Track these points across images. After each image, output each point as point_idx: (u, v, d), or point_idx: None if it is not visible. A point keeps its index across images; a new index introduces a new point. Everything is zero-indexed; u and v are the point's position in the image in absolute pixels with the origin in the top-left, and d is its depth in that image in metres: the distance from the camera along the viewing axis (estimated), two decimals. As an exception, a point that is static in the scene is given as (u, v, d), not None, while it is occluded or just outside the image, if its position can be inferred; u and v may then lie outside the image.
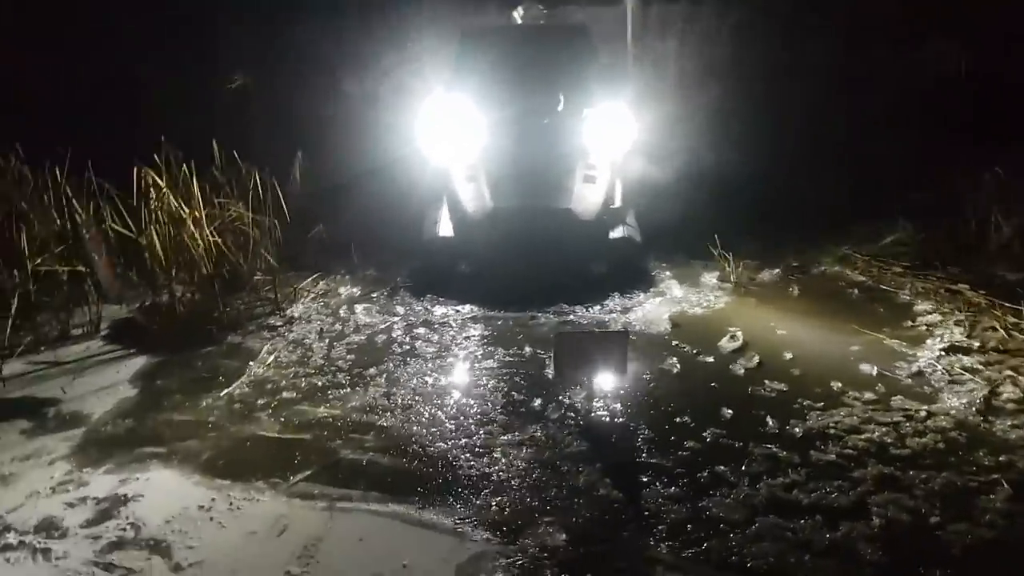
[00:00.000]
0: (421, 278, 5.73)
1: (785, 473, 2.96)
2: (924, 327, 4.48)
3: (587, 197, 5.68)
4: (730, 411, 3.50)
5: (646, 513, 2.74)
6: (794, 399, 3.58)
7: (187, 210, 4.91)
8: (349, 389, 3.85)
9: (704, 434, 3.29)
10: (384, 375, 3.99)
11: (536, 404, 3.59)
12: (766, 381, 3.78)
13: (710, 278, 5.60)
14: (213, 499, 2.87)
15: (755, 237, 6.26)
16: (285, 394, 3.82)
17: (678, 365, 4.04)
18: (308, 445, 3.27)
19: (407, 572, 2.45)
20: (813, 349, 4.19)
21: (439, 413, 3.55)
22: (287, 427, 3.45)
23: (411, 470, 3.06)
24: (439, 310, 5.06)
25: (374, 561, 2.49)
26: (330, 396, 3.78)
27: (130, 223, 4.95)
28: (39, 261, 4.65)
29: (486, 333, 4.61)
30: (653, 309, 4.98)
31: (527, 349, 4.31)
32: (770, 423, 3.37)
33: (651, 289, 5.38)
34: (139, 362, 4.28)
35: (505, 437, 3.29)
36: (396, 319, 4.92)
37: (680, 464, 3.06)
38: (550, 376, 3.81)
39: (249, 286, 5.45)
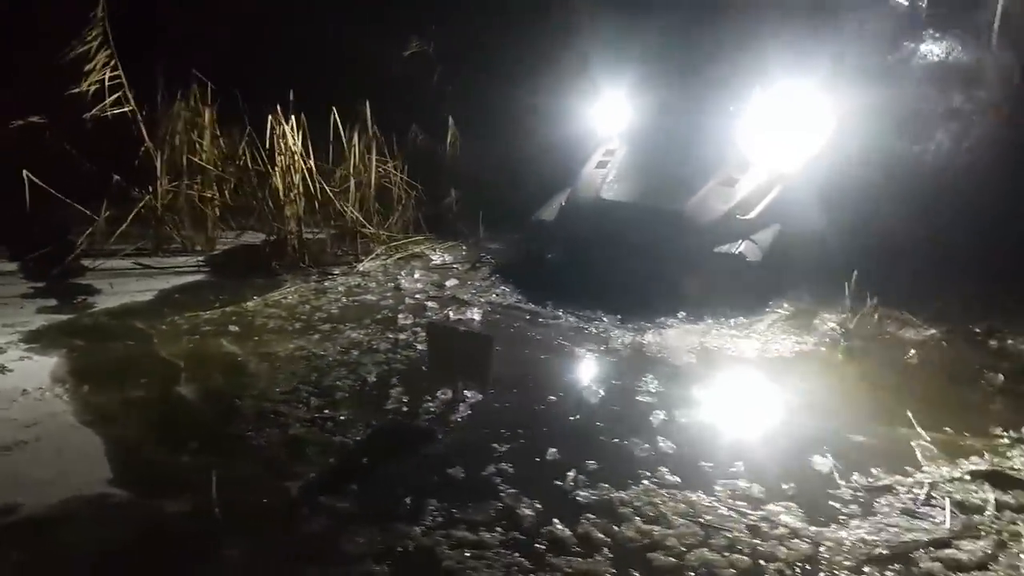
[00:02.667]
0: (508, 258, 5.60)
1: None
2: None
3: (711, 203, 4.97)
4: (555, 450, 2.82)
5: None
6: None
7: (302, 161, 5.46)
8: (293, 336, 4.05)
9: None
10: (327, 336, 4.07)
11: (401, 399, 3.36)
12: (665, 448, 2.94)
13: (824, 323, 4.39)
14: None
15: (935, 288, 4.68)
16: (258, 321, 4.22)
17: (601, 392, 3.36)
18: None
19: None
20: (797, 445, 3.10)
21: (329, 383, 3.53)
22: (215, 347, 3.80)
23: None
24: (483, 295, 4.89)
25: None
26: (268, 336, 4.00)
27: (266, 164, 5.69)
28: (176, 184, 5.64)
29: (501, 326, 4.37)
30: (694, 339, 4.14)
31: (525, 351, 3.99)
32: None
33: (728, 318, 4.44)
34: (192, 278, 5.01)
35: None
36: (428, 292, 4.93)
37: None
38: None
39: (359, 237, 5.88)
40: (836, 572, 2.21)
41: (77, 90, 5.21)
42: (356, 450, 2.86)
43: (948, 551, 2.31)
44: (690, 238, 4.82)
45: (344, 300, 4.69)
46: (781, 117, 5.25)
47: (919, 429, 3.12)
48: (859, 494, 2.63)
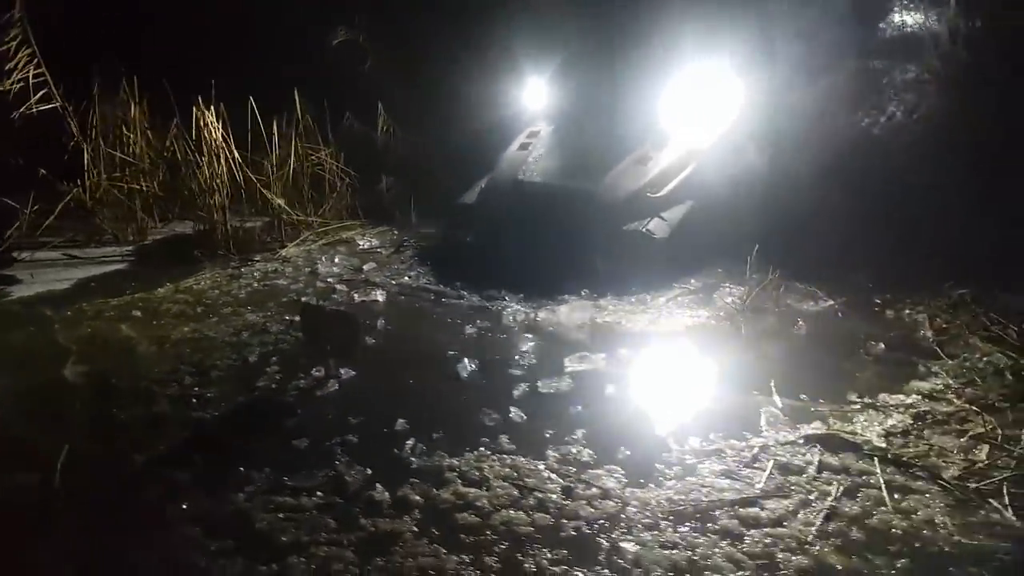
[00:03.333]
0: (432, 242, 5.70)
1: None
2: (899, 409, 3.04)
3: (623, 181, 5.06)
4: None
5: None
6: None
7: (225, 151, 5.56)
8: (192, 320, 4.16)
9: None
10: (224, 320, 4.17)
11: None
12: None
13: (724, 297, 4.47)
14: None
15: (846, 261, 4.73)
16: (163, 306, 4.36)
17: (469, 368, 3.44)
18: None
19: None
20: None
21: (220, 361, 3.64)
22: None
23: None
24: (396, 277, 5.00)
25: None
26: (167, 320, 4.13)
27: (194, 155, 5.79)
28: (103, 177, 5.75)
29: (402, 307, 4.47)
30: (588, 315, 4.23)
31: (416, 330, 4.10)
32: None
33: (630, 295, 4.52)
34: (114, 268, 5.13)
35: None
36: (343, 276, 5.05)
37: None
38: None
39: (288, 224, 5.99)
40: (630, 529, 2.30)
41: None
42: (212, 425, 2.97)
43: (752, 510, 2.40)
44: (602, 216, 4.90)
45: (255, 285, 4.79)
46: (697, 96, 5.33)
47: (775, 396, 3.20)
48: (687, 457, 2.72)
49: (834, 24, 5.70)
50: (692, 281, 4.80)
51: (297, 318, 4.13)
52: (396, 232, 6.25)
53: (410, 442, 2.78)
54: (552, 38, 6.21)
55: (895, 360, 3.60)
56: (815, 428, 2.92)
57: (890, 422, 2.97)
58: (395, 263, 5.34)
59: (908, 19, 6.12)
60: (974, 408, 3.06)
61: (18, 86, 5.43)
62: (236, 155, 5.75)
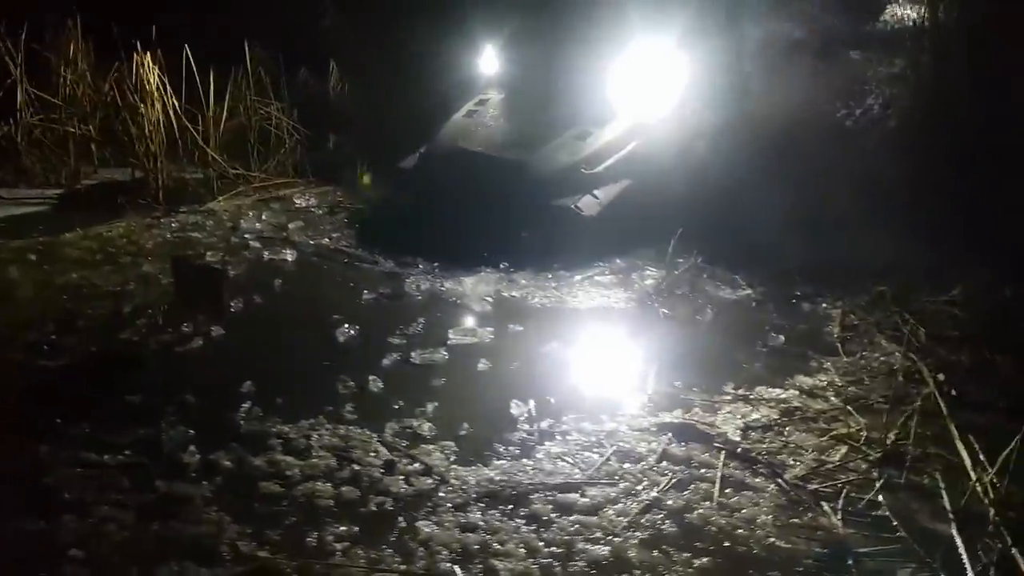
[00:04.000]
0: (370, 205, 5.58)
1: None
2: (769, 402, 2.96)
3: (557, 155, 4.95)
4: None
5: None
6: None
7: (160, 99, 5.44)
8: (85, 268, 4.08)
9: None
10: (118, 269, 4.10)
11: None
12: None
13: (643, 279, 4.35)
14: None
15: (777, 249, 4.58)
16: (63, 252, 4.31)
17: (347, 334, 3.35)
18: None
19: None
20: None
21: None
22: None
23: None
24: (317, 238, 4.88)
25: None
26: (59, 266, 4.06)
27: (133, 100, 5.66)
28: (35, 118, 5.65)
29: (309, 268, 4.40)
30: (493, 288, 4.11)
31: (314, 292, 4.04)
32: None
33: (548, 272, 4.41)
34: (34, 210, 5.07)
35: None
36: (262, 233, 4.93)
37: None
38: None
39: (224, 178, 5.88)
40: (436, 508, 2.22)
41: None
42: (52, 373, 2.91)
43: (571, 495, 2.33)
44: (531, 190, 4.79)
45: (168, 236, 4.71)
46: (644, 72, 5.19)
47: (649, 382, 3.11)
48: (530, 439, 2.64)
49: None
50: (616, 261, 4.66)
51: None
52: (339, 192, 6.12)
53: (247, 405, 2.71)
54: (509, 4, 6.04)
55: (790, 353, 3.50)
56: (674, 417, 2.82)
57: (755, 416, 2.88)
58: (324, 224, 5.23)
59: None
60: (849, 408, 2.96)
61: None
62: (174, 103, 5.62)
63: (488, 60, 6.00)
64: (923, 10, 5.95)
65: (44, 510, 2.10)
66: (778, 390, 3.09)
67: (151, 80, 5.47)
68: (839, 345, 3.58)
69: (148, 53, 5.41)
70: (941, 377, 3.18)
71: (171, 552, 1.98)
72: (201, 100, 5.94)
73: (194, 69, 5.75)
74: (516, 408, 2.82)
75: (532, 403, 2.86)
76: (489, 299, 4.00)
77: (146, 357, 3.07)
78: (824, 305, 4.08)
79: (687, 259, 4.47)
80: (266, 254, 4.47)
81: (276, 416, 2.66)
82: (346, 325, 3.46)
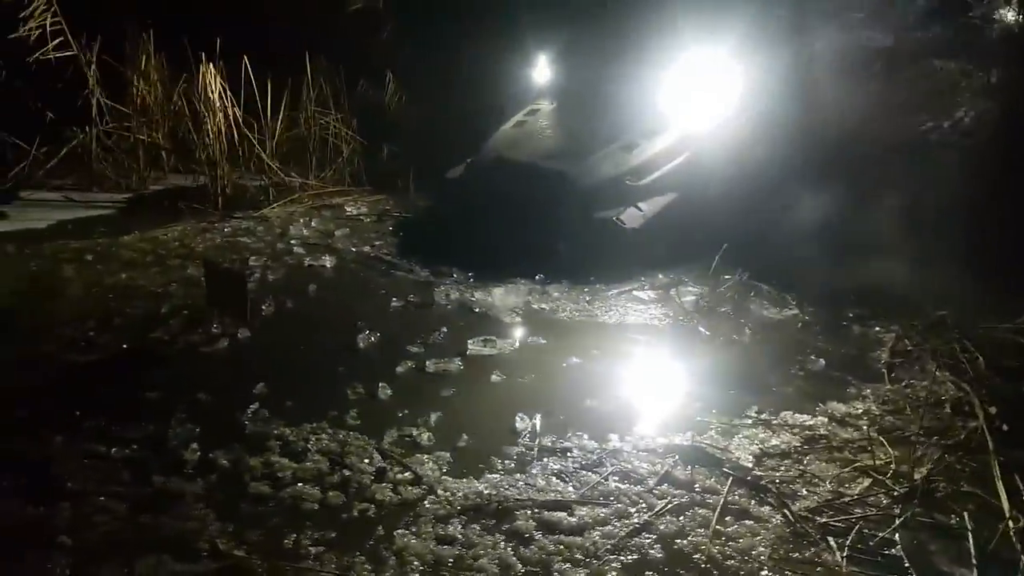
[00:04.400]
0: (419, 214, 5.69)
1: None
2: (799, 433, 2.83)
3: (602, 166, 4.93)
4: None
5: None
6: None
7: (222, 108, 5.71)
8: (135, 268, 4.32)
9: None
10: (166, 271, 4.30)
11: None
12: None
13: (683, 295, 4.25)
14: None
15: (837, 270, 4.37)
16: (119, 252, 4.56)
17: (368, 340, 3.40)
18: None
19: None
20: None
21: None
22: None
23: None
24: (361, 245, 5.01)
25: None
26: (112, 266, 4.29)
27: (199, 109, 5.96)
28: (108, 125, 6.01)
29: (346, 274, 4.49)
30: (524, 300, 4.10)
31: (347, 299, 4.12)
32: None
33: (586, 285, 4.37)
34: (100, 212, 5.37)
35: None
36: (309, 240, 5.09)
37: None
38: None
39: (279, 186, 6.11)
40: (418, 519, 2.22)
41: (15, 35, 5.59)
42: (80, 367, 3.06)
43: (558, 514, 2.28)
44: (573, 200, 4.76)
45: (218, 240, 4.91)
46: (697, 83, 5.10)
47: (666, 402, 3.02)
48: (529, 454, 2.60)
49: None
50: (659, 276, 4.57)
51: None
52: (391, 201, 6.25)
53: (255, 406, 2.77)
54: (562, 15, 6.05)
55: (828, 378, 3.33)
56: (685, 439, 2.73)
57: (774, 442, 2.75)
58: (370, 232, 5.35)
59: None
60: (881, 439, 2.78)
61: (36, 32, 5.70)
62: (235, 113, 5.88)
63: (541, 71, 6.04)
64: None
65: (43, 497, 2.21)
66: (806, 416, 2.95)
67: (213, 91, 5.74)
68: (885, 372, 3.38)
69: (211, 64, 5.68)
70: (993, 410, 2.98)
71: (152, 545, 2.04)
72: (268, 110, 6.22)
73: (252, 81, 6.00)
74: (521, 422, 2.79)
75: (539, 417, 2.82)
76: (517, 311, 3.99)
77: (171, 356, 3.20)
78: (877, 329, 3.87)
79: (733, 276, 4.35)
80: (307, 260, 4.60)
81: (281, 418, 2.72)
82: (368, 332, 3.51)
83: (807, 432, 2.84)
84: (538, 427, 2.77)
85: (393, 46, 7.01)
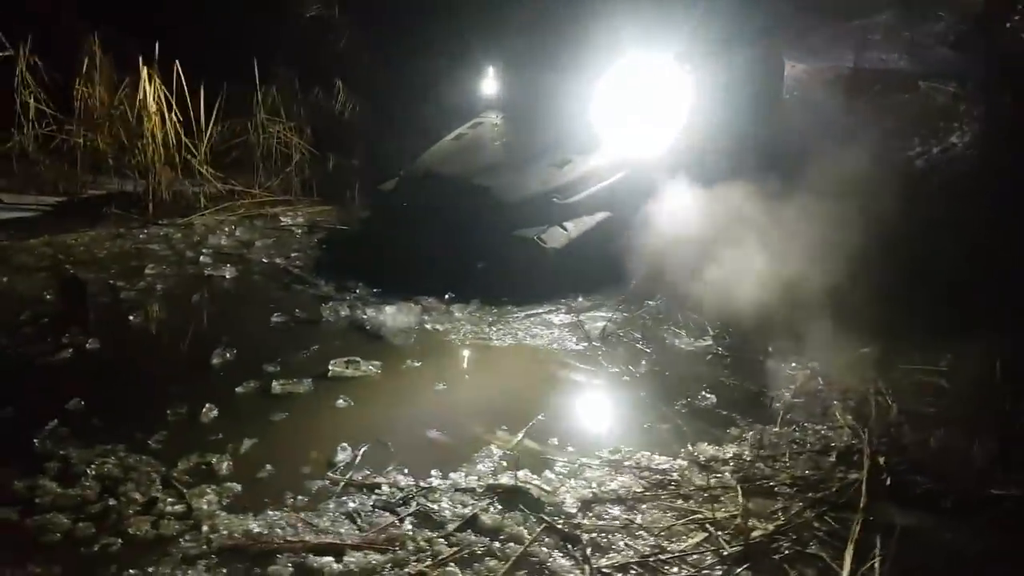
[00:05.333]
0: (351, 225, 5.57)
1: None
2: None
3: (527, 182, 4.79)
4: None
5: None
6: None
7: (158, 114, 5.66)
8: (20, 271, 4.24)
9: None
10: (56, 275, 4.20)
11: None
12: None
13: (595, 321, 4.04)
14: None
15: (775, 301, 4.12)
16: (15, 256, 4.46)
17: (224, 357, 3.24)
18: None
19: None
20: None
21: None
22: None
23: None
24: (275, 257, 4.89)
25: None
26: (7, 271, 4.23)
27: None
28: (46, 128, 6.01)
29: (242, 286, 4.39)
30: (417, 319, 3.91)
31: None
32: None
33: (494, 305, 4.18)
34: (23, 215, 5.39)
35: None
36: (222, 249, 4.99)
37: None
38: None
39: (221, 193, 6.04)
40: (161, 559, 2.04)
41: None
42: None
43: (324, 559, 2.08)
44: (496, 217, 4.58)
45: (127, 247, 4.83)
46: (642, 99, 4.90)
47: (518, 437, 2.81)
48: (328, 489, 2.41)
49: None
50: (578, 299, 4.36)
51: (120, 282, 4.11)
52: (333, 212, 6.13)
53: (54, 423, 2.63)
54: (515, 27, 5.91)
55: (714, 417, 3.10)
56: (513, 478, 2.51)
57: (612, 485, 2.52)
58: (293, 243, 5.22)
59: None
60: (739, 487, 2.54)
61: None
62: (174, 118, 5.82)
63: (491, 83, 5.90)
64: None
65: None
66: (665, 458, 2.71)
67: (149, 95, 5.69)
68: (781, 412, 3.13)
69: (147, 68, 5.64)
70: (882, 461, 2.72)
71: None
72: (210, 116, 6.15)
73: (203, 87, 5.95)
74: (342, 453, 2.60)
75: (364, 448, 2.63)
76: (407, 331, 3.80)
77: (4, 366, 3.07)
78: (792, 365, 3.60)
79: (654, 302, 4.14)
80: (208, 270, 4.48)
81: (77, 438, 2.57)
82: (229, 348, 3.36)
83: (657, 476, 2.60)
84: (358, 459, 2.58)
85: (349, 54, 6.92)
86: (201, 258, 4.68)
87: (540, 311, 4.18)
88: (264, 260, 4.76)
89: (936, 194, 5.23)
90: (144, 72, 5.71)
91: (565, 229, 4.56)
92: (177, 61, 5.80)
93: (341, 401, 2.98)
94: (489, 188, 4.69)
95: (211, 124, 6.13)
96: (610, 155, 4.82)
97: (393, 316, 3.92)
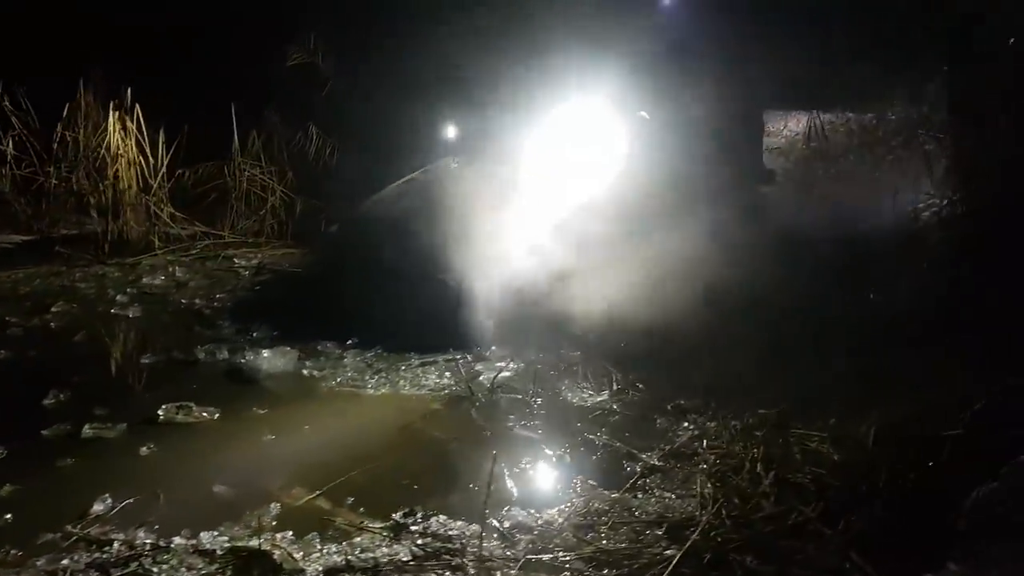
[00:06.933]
0: (298, 268, 5.57)
1: None
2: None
3: None
4: None
5: None
6: None
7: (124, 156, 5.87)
8: None
9: None
10: None
11: None
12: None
13: (485, 372, 3.81)
14: None
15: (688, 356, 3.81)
16: None
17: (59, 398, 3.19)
18: None
19: None
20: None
21: None
22: None
23: None
24: (205, 299, 4.91)
25: None
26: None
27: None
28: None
29: (140, 326, 4.41)
30: (290, 364, 3.82)
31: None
32: None
33: (395, 352, 4.04)
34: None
35: None
36: (152, 289, 5.07)
37: None
38: None
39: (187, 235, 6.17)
40: None
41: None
42: None
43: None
44: (424, 261, 4.46)
45: (55, 283, 4.95)
46: (576, 143, 4.79)
47: (295, 491, 2.62)
48: (62, 542, 2.27)
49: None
50: (491, 348, 4.13)
51: (14, 319, 4.17)
52: (297, 254, 6.14)
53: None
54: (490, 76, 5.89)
55: (553, 481, 2.81)
56: (264, 541, 2.30)
57: (375, 553, 2.27)
58: (228, 284, 5.24)
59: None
60: (528, 558, 2.25)
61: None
62: (141, 160, 6.01)
63: (453, 128, 5.92)
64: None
65: None
66: (462, 523, 2.43)
67: (114, 138, 5.90)
68: (632, 479, 2.82)
69: (116, 113, 5.87)
70: (715, 537, 2.38)
71: None
72: (178, 159, 6.33)
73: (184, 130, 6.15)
74: (100, 504, 2.45)
75: (128, 501, 2.48)
76: (277, 376, 3.68)
77: None
78: (686, 425, 3.27)
79: (572, 351, 3.91)
80: (115, 309, 4.50)
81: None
82: (68, 388, 3.31)
83: (438, 544, 2.33)
84: (112, 512, 2.44)
85: (332, 100, 7.01)
86: (119, 297, 4.73)
87: (440, 358, 3.99)
88: (183, 301, 4.77)
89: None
90: (112, 116, 5.96)
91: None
92: (138, 106, 6.02)
93: (145, 449, 2.86)
94: (419, 232, 4.60)
95: (178, 168, 6.30)
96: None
97: (269, 360, 3.81)
